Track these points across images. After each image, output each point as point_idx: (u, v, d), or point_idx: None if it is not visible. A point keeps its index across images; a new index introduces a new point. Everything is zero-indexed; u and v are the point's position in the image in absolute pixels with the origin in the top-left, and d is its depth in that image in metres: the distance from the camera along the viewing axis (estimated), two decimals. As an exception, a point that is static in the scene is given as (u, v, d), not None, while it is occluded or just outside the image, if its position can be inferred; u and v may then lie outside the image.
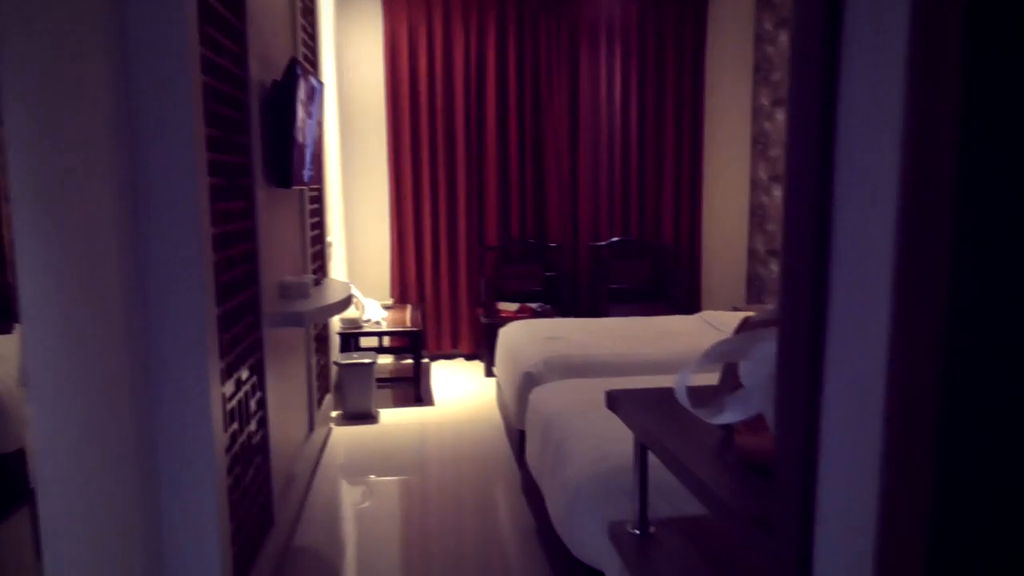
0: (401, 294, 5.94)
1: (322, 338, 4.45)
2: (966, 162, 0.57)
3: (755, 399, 1.11)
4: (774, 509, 0.84)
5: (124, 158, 1.82)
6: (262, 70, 2.88)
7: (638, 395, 1.66)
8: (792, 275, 0.79)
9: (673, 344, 4.05)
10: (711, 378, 1.42)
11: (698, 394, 1.27)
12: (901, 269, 0.63)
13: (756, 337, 1.15)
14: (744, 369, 1.17)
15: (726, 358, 1.24)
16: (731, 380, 1.25)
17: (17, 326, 1.35)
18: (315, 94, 3.50)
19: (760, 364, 1.12)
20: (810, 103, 0.74)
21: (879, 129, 0.66)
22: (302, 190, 3.77)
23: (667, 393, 1.52)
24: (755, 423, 1.17)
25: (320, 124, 3.74)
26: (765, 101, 6.02)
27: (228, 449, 2.26)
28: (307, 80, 3.26)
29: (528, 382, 3.66)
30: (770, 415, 1.11)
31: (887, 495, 0.66)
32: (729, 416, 1.14)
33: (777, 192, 5.90)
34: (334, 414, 4.69)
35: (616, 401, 1.68)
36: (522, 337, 4.21)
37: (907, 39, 0.61)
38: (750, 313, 1.72)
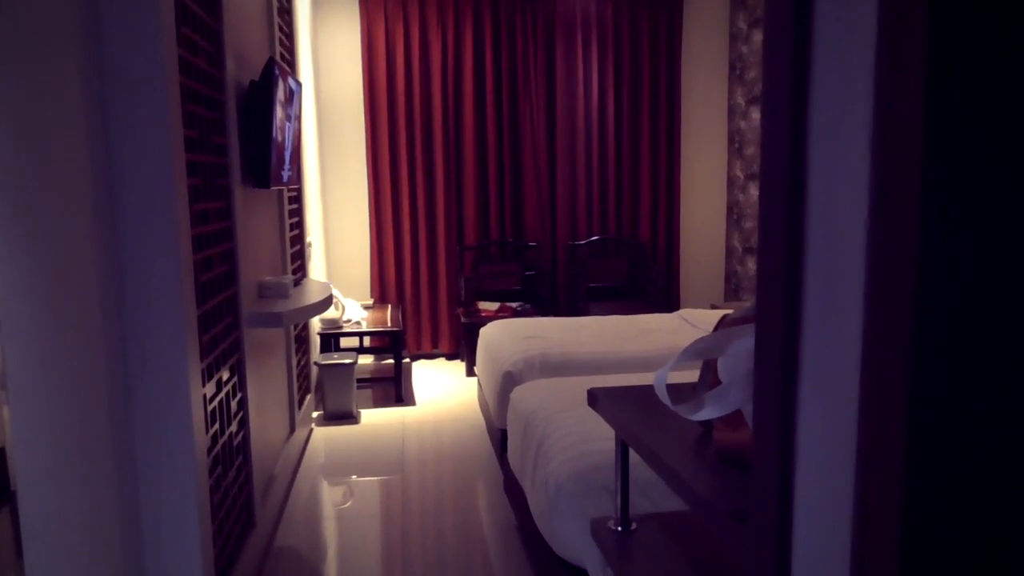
0: (381, 294, 5.93)
1: (302, 338, 4.43)
2: (932, 158, 0.59)
3: (733, 395, 1.13)
4: (752, 503, 0.86)
5: (100, 159, 1.81)
6: (239, 70, 2.86)
7: (618, 393, 1.68)
8: (767, 273, 0.80)
9: (652, 342, 4.07)
10: (691, 375, 1.43)
11: (677, 391, 1.29)
12: (873, 265, 0.65)
13: (733, 334, 1.17)
14: (722, 366, 1.19)
15: (704, 355, 1.26)
16: (710, 377, 1.26)
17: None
18: (293, 94, 3.49)
19: (738, 360, 1.14)
20: (782, 100, 0.76)
21: (849, 126, 0.67)
22: (281, 190, 3.76)
23: (647, 390, 1.54)
24: (733, 418, 1.19)
25: (298, 124, 3.73)
26: (741, 100, 6.07)
27: (209, 450, 2.25)
28: (285, 80, 3.25)
29: (508, 381, 3.67)
30: (748, 410, 1.13)
31: (863, 487, 0.67)
32: (708, 412, 1.16)
33: (753, 190, 5.95)
34: (315, 414, 4.68)
35: (596, 399, 1.69)
36: (502, 336, 4.22)
37: (875, 35, 0.63)
38: (728, 311, 1.74)
